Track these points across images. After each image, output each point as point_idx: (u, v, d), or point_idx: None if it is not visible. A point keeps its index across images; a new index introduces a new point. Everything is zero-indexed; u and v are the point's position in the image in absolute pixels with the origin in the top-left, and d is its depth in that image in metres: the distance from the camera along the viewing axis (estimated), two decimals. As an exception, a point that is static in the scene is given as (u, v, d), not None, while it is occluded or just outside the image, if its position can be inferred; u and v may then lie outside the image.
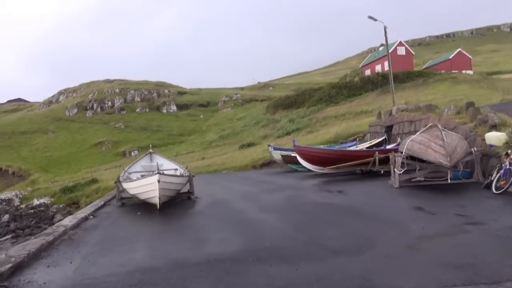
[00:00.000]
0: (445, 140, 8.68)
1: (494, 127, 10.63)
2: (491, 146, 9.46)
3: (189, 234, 6.30)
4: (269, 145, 22.96)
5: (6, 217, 31.32)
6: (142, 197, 9.05)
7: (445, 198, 7.93)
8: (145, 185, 8.60)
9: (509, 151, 8.15)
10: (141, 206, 9.30)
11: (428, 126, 10.39)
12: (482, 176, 9.51)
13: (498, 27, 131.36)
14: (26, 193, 40.41)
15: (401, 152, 10.55)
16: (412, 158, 10.24)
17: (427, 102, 22.87)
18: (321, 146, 25.47)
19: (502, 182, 7.73)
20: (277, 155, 21.82)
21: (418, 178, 10.62)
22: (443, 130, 9.57)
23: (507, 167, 7.71)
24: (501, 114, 11.26)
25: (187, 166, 12.16)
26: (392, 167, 10.89)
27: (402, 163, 10.48)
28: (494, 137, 9.31)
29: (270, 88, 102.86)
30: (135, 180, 9.65)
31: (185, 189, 10.97)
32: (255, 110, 71.73)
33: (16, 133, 71.53)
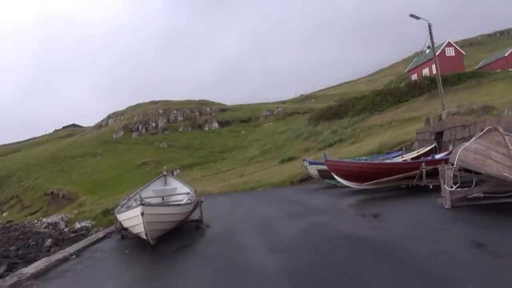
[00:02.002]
0: (510, 147, 6.68)
1: None
2: None
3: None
4: (304, 160, 21.30)
5: (49, 241, 31.73)
6: (134, 231, 7.80)
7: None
8: (131, 218, 7.35)
9: None
10: (137, 241, 8.04)
11: (485, 130, 8.36)
12: None
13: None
14: (72, 216, 41.30)
15: (452, 164, 8.57)
16: (467, 169, 8.25)
17: (482, 103, 20.30)
18: (363, 158, 23.52)
19: None
20: (313, 170, 20.13)
21: (475, 195, 8.57)
22: (506, 134, 7.55)
23: None
24: None
25: (196, 190, 10.81)
26: (442, 181, 8.92)
27: (455, 176, 8.51)
28: None
29: (313, 99, 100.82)
30: (123, 211, 8.40)
31: (196, 215, 9.67)
32: (297, 123, 70.06)
33: (68, 157, 74.70)
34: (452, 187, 8.13)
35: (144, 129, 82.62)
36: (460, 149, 8.21)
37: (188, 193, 10.71)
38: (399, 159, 18.05)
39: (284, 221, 9.13)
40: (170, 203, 10.12)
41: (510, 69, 53.71)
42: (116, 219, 9.24)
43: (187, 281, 5.10)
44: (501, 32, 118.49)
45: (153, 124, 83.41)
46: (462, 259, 4.61)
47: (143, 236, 7.14)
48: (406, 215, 7.98)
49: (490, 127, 8.36)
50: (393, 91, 54.05)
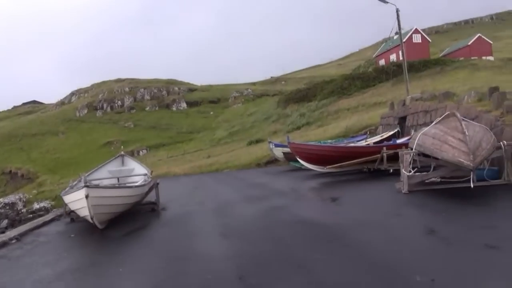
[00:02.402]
0: (467, 133, 6.69)
1: (527, 115, 8.60)
2: (525, 138, 7.42)
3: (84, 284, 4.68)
4: (270, 142, 21.14)
5: (4, 222, 30.34)
6: (80, 214, 7.36)
7: (467, 212, 5.92)
8: (75, 200, 6.91)
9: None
10: (86, 224, 7.60)
11: (444, 115, 8.40)
12: (515, 177, 7.48)
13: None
14: (30, 196, 39.66)
15: (412, 148, 8.60)
16: (426, 154, 8.30)
17: (444, 90, 20.75)
18: (329, 141, 23.70)
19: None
20: (278, 153, 20.05)
21: (432, 179, 8.67)
22: (463, 119, 7.58)
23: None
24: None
25: (152, 172, 10.38)
26: (401, 166, 8.95)
27: (415, 161, 8.55)
28: (530, 127, 7.26)
29: (283, 82, 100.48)
30: (70, 193, 7.91)
31: (154, 197, 9.31)
32: (266, 105, 69.85)
33: (28, 135, 71.51)
34: (410, 171, 8.16)
35: (109, 108, 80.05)
36: (419, 134, 8.22)
37: (146, 174, 10.29)
38: (363, 143, 18.28)
39: (243, 204, 8.93)
40: (119, 185, 9.67)
41: (472, 58, 55.40)
42: (64, 201, 8.74)
43: (127, 270, 4.79)
44: (466, 21, 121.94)
45: (119, 103, 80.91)
46: (414, 246, 4.54)
47: (90, 220, 6.73)
48: (364, 200, 7.96)
49: (449, 112, 8.41)
50: (361, 76, 54.72)
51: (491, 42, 65.15)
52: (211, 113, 75.97)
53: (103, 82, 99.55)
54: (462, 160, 6.42)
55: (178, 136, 65.59)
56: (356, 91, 50.62)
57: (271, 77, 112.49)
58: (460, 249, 4.31)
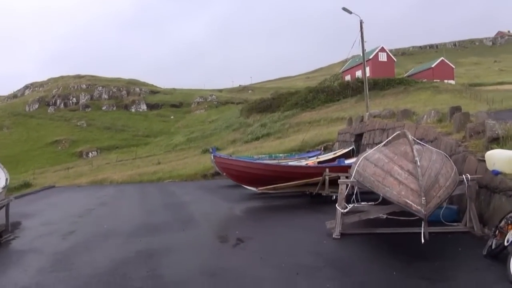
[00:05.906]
0: (418, 163, 4.66)
1: (496, 141, 6.80)
2: (496, 173, 5.51)
3: None
4: (211, 152, 18.72)
5: None
6: None
7: (409, 283, 3.77)
8: None
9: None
10: None
11: (394, 134, 6.41)
12: (479, 224, 5.58)
13: (481, 40, 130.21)
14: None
15: (352, 176, 6.56)
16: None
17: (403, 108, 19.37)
18: (280, 155, 21.83)
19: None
20: (220, 165, 17.78)
21: (378, 215, 6.67)
22: (416, 142, 5.63)
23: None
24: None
25: (4, 187, 7.76)
26: (339, 196, 6.89)
27: (352, 190, 6.53)
28: (503, 159, 5.34)
29: (250, 91, 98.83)
30: None
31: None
32: (229, 113, 67.76)
33: (-32, 127, 65.86)
34: (346, 207, 6.11)
35: (62, 104, 75.33)
36: (361, 158, 6.18)
37: (4, 187, 7.70)
38: (314, 160, 16.54)
39: (120, 241, 6.49)
40: None
41: (435, 80, 55.72)
42: None
43: None
44: (431, 46, 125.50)
45: (74, 100, 76.33)
46: None
47: None
48: (276, 247, 5.63)
49: (399, 132, 6.41)
50: (326, 90, 53.73)
51: (453, 67, 66.19)
52: (172, 117, 72.91)
53: (61, 77, 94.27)
54: (411, 203, 4.40)
55: (133, 139, 62.09)
56: (320, 104, 49.54)
57: (239, 85, 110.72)
58: None
